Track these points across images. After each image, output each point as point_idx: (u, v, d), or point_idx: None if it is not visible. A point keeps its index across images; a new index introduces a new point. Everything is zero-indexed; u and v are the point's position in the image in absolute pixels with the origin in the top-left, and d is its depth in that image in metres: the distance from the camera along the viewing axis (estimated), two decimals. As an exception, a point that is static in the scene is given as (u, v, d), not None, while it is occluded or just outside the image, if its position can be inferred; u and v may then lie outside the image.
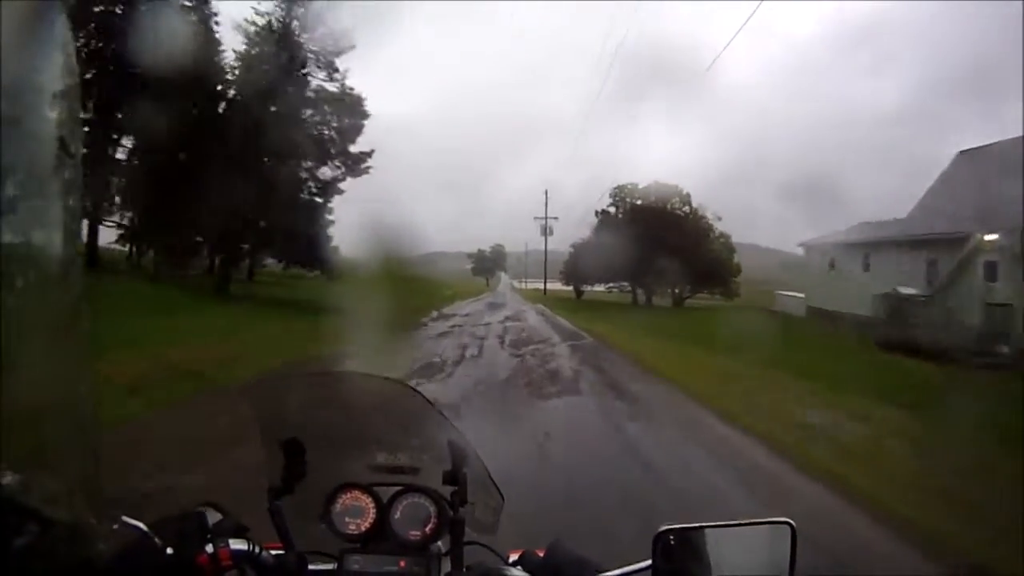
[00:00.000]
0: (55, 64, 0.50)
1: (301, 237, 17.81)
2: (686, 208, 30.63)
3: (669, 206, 30.97)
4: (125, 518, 0.81)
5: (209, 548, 0.89)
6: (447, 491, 1.02)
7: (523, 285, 67.94)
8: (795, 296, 23.03)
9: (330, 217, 20.42)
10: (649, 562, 0.84)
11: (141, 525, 0.84)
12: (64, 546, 0.52)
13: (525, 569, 0.95)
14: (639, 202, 34.65)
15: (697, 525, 0.86)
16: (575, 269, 41.47)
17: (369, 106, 19.35)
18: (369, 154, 19.64)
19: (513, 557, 1.00)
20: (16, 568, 0.50)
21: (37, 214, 0.49)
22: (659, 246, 27.17)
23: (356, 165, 19.49)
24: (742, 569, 0.87)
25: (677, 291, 31.12)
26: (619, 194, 36.67)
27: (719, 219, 30.29)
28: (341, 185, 19.36)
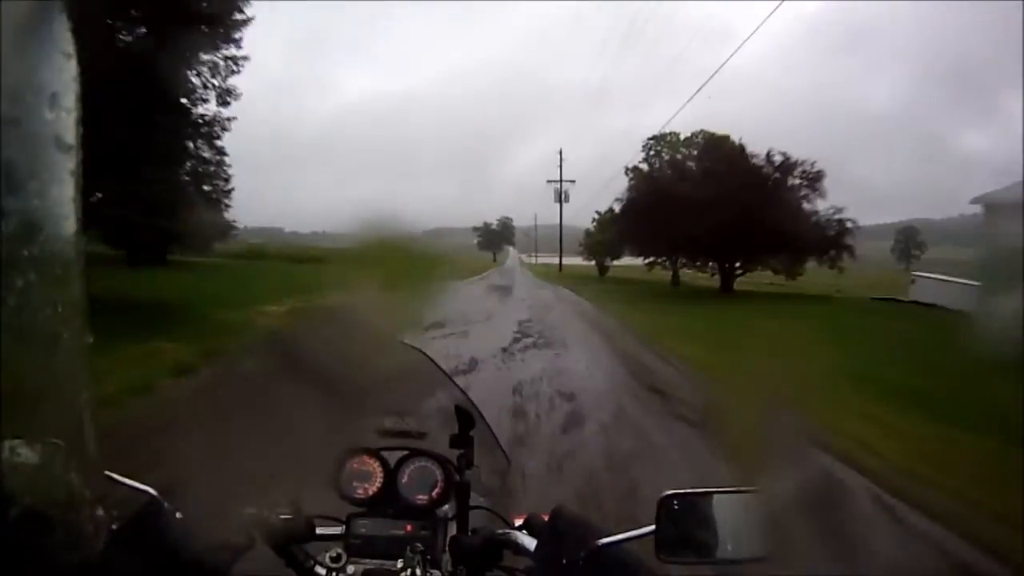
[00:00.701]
0: (55, 64, 0.49)
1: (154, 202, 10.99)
2: (760, 160, 22.91)
3: (733, 158, 23.20)
4: (134, 483, 0.83)
5: None
6: (453, 455, 1.03)
7: (533, 259, 64.07)
8: (954, 282, 15.71)
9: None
10: (653, 527, 0.84)
11: (150, 489, 0.85)
12: (66, 532, 0.53)
13: (529, 533, 0.95)
14: (683, 155, 27.42)
15: (701, 490, 0.87)
16: (599, 241, 37.57)
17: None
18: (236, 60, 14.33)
19: (518, 522, 0.99)
20: (15, 558, 0.51)
21: (37, 213, 0.49)
22: (723, 209, 19.97)
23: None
24: (746, 536, 0.86)
25: (737, 267, 23.89)
26: (655, 147, 30.36)
27: (812, 172, 22.73)
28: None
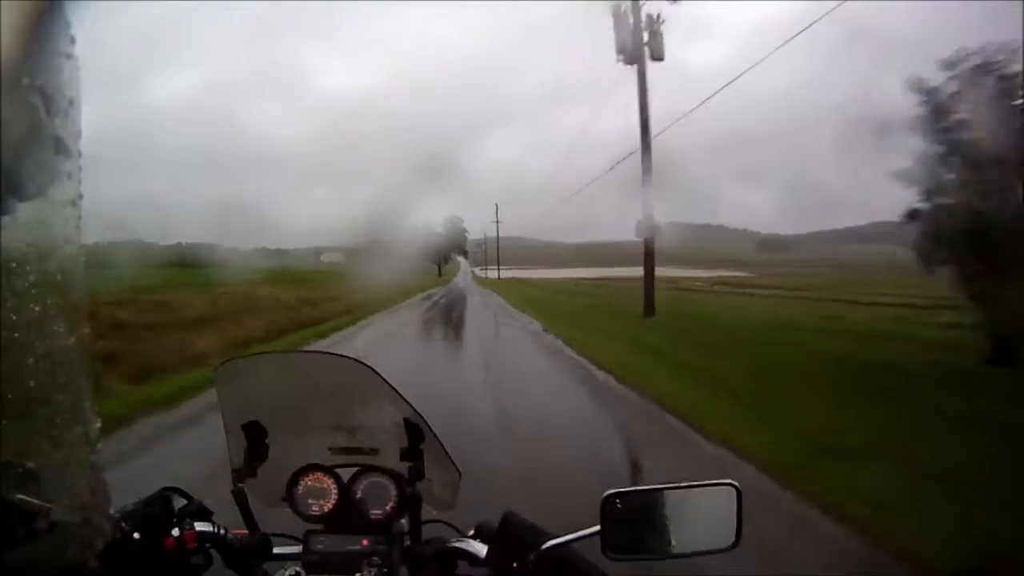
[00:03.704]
0: (55, 64, 0.49)
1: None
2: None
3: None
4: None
5: (175, 532, 0.92)
6: (405, 468, 1.04)
7: (486, 274, 53.24)
8: None
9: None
10: (598, 527, 0.86)
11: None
12: (62, 544, 0.52)
13: (481, 540, 0.97)
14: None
15: (643, 488, 0.91)
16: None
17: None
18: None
19: (470, 532, 1.01)
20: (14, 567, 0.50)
21: (37, 214, 0.49)
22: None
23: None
24: (689, 532, 0.90)
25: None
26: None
27: None
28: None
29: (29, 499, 0.51)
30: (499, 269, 51.32)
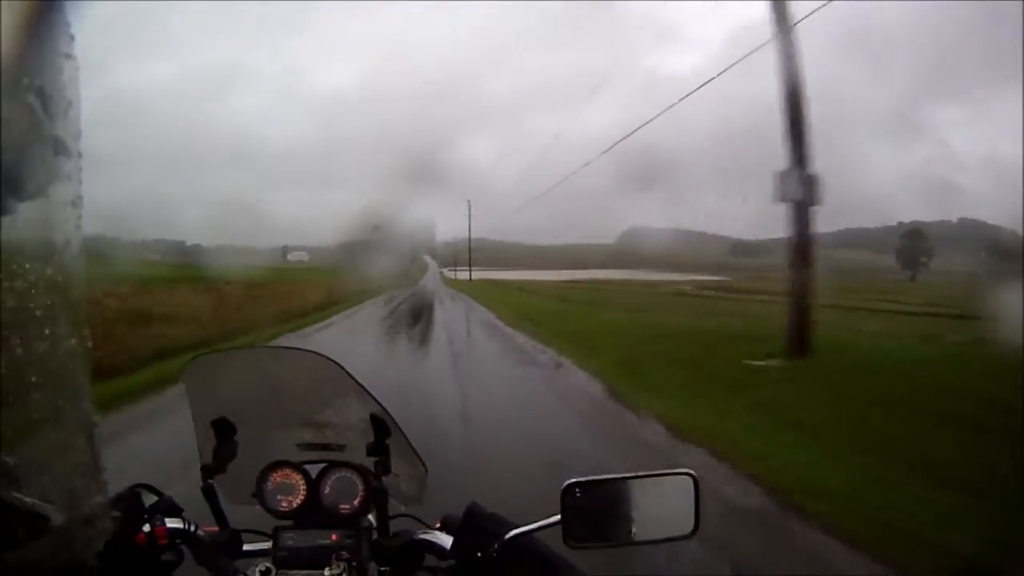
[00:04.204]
0: (55, 64, 0.49)
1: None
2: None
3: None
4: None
5: (146, 528, 0.92)
6: (372, 463, 1.04)
7: (455, 275, 48.40)
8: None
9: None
10: (559, 516, 0.89)
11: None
12: (62, 544, 0.52)
13: (447, 532, 1.00)
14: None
15: (602, 477, 0.92)
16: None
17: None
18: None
19: (436, 525, 1.04)
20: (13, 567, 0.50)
21: (37, 214, 0.49)
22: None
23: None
24: (649, 520, 0.92)
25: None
26: None
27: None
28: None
29: (29, 499, 0.51)
30: (471, 269, 46.53)
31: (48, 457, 0.52)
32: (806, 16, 8.60)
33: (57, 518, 0.51)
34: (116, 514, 0.89)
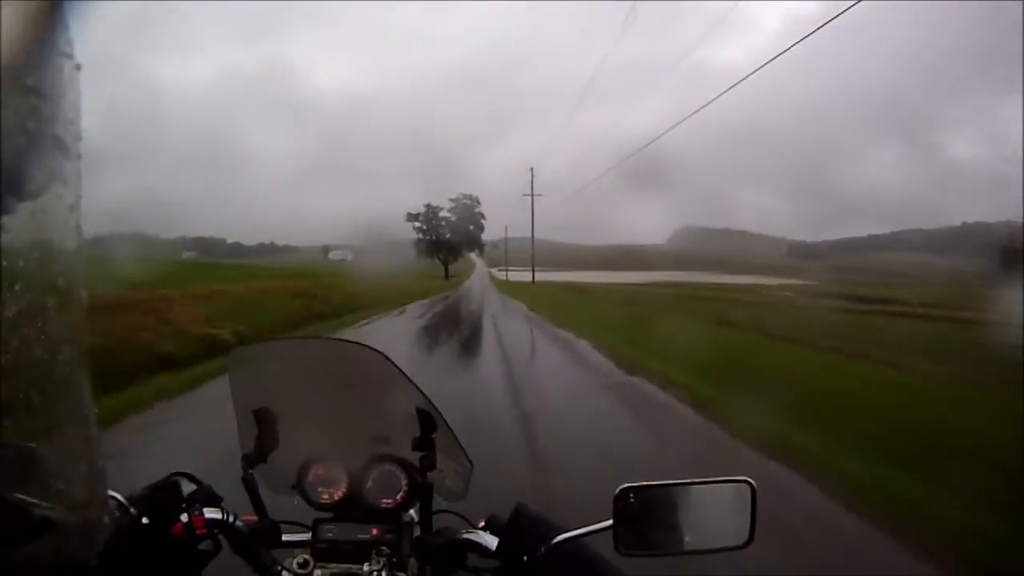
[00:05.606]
0: (55, 64, 0.49)
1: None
2: None
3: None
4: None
5: (184, 517, 0.92)
6: (416, 458, 1.02)
7: (506, 276, 43.17)
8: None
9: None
10: (611, 521, 0.85)
11: (118, 496, 0.86)
12: (63, 543, 0.52)
13: (492, 533, 0.96)
14: None
15: (657, 483, 0.88)
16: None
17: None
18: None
19: (481, 524, 1.00)
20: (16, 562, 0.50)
21: (37, 215, 0.49)
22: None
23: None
24: (702, 528, 0.88)
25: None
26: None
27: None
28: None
29: (29, 498, 0.50)
30: (533, 270, 37.82)
31: (48, 455, 0.51)
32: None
33: (57, 517, 0.51)
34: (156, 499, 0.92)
